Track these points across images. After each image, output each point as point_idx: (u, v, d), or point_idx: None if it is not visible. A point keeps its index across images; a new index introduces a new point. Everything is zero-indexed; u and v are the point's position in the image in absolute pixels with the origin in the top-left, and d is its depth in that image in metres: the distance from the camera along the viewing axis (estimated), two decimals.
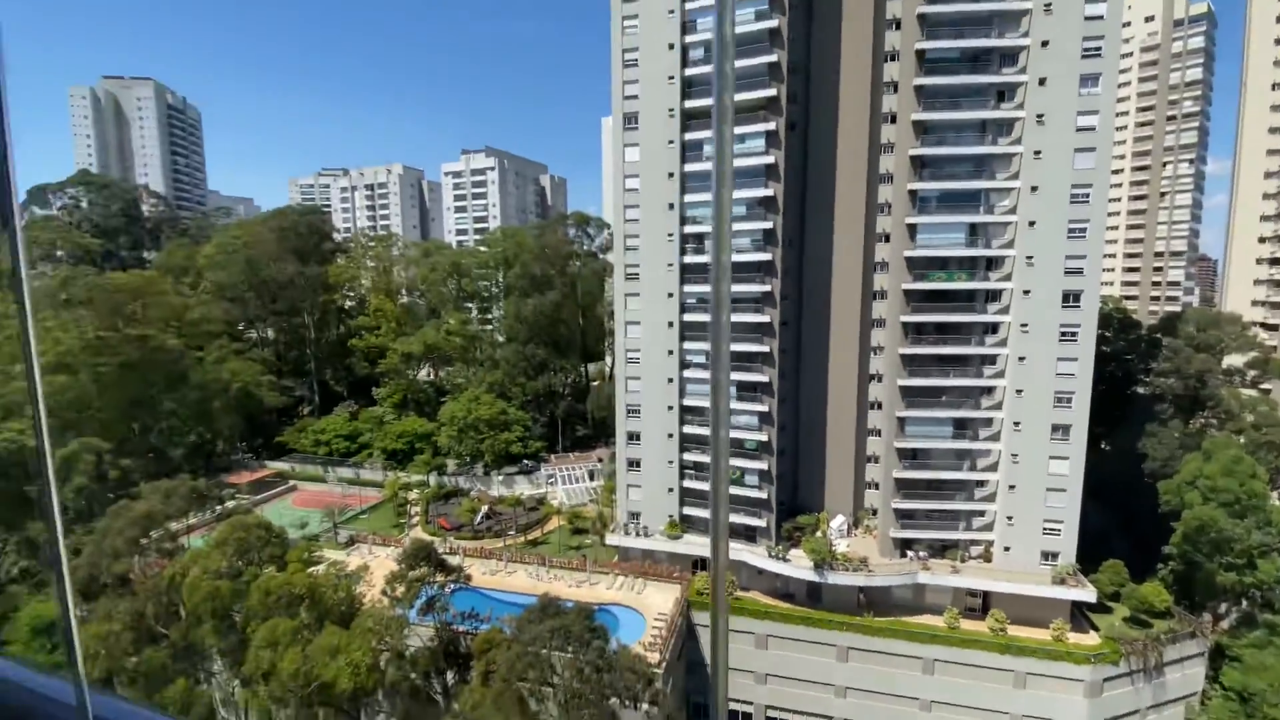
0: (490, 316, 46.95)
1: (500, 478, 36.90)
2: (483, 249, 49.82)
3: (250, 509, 28.89)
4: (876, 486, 28.29)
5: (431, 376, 45.71)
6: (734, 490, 27.43)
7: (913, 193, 25.44)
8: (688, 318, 28.29)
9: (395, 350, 42.24)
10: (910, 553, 26.12)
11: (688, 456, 29.03)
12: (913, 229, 25.60)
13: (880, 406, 28.02)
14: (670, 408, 29.05)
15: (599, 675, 16.93)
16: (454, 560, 24.20)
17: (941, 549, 26.10)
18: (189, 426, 33.04)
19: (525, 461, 37.69)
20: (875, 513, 28.26)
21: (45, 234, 42.54)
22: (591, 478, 36.78)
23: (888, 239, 27.12)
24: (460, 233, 67.11)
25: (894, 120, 26.56)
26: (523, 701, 17.04)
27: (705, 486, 28.22)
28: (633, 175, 28.82)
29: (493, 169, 65.71)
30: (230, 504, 29.39)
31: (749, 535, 27.73)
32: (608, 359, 47.91)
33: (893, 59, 26.73)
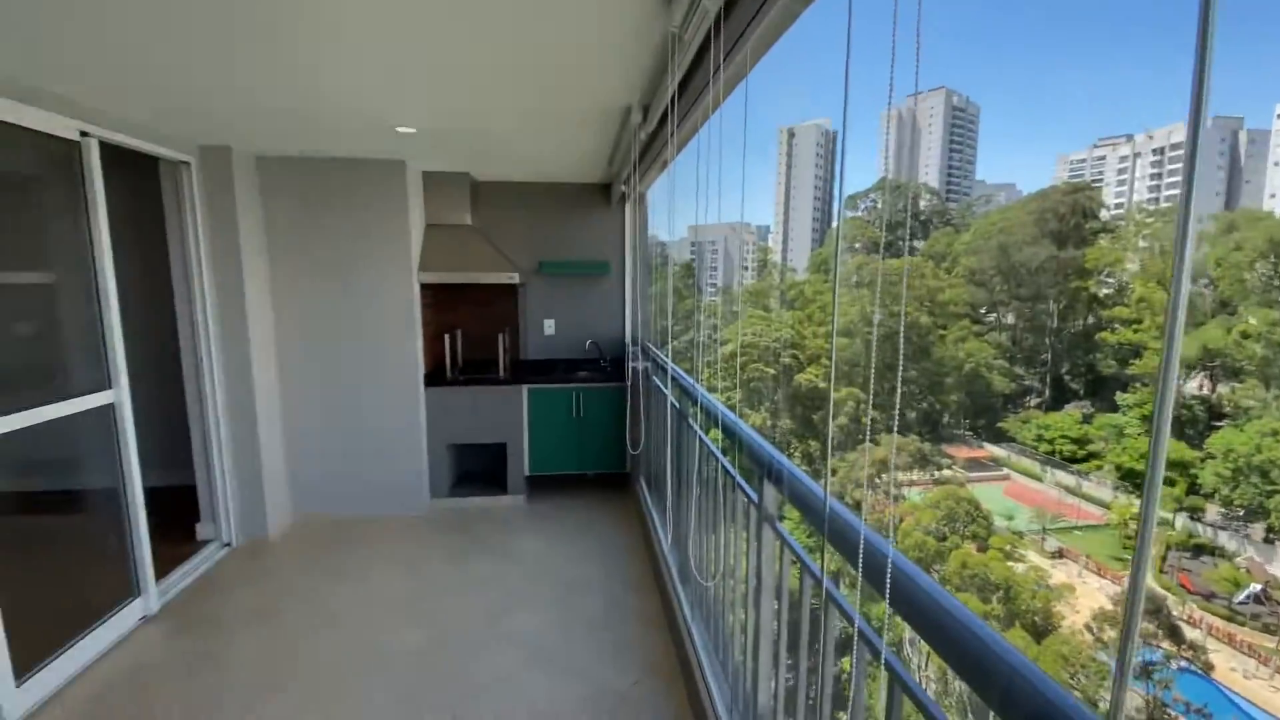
0: None
1: None
2: None
3: (963, 483, 30.55)
4: None
5: (1206, 390, 34.79)
6: None
7: None
8: None
9: (1157, 351, 34.29)
10: None
11: None
12: None
13: None
14: None
15: None
16: (1191, 633, 18.27)
17: None
18: (923, 395, 37.69)
19: None
20: None
21: (851, 230, 56.42)
22: None
23: None
24: None
25: None
26: None
27: None
28: None
29: None
30: (946, 472, 31.95)
31: None
32: None
33: None
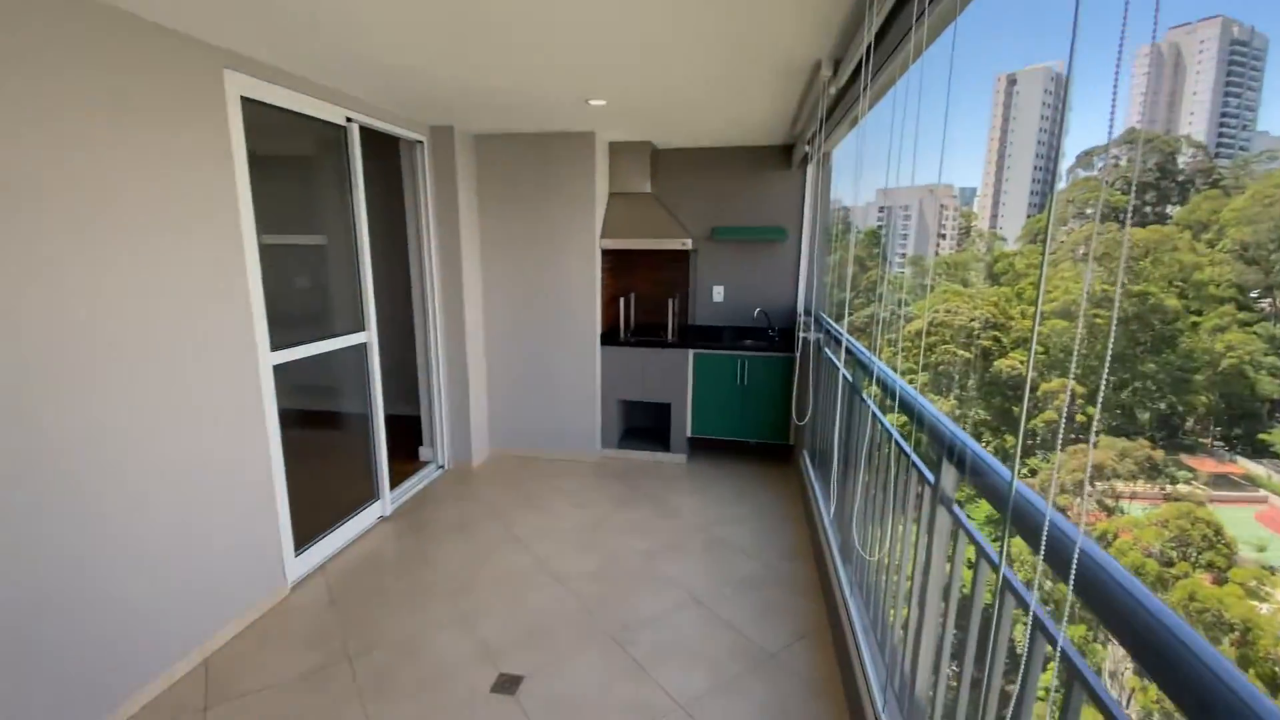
0: None
1: None
2: None
3: (1203, 502, 25.22)
4: None
5: None
6: None
7: None
8: None
9: None
10: None
11: None
12: None
13: None
14: None
15: None
16: None
17: None
18: (1161, 393, 31.37)
19: None
20: None
21: (1080, 194, 47.77)
22: None
23: None
24: None
25: None
26: None
27: None
28: None
29: None
30: (1182, 487, 26.58)
31: None
32: None
33: None
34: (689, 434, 4.45)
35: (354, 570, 3.03)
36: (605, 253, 4.40)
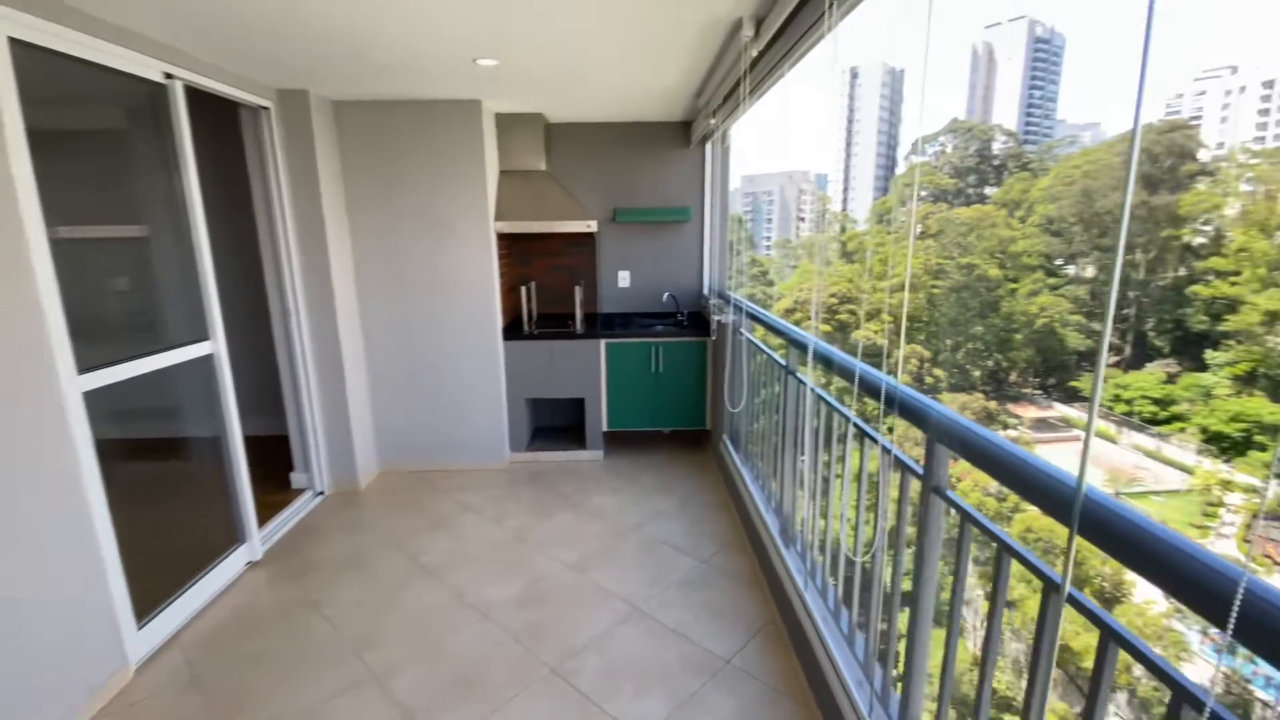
0: None
1: None
2: None
3: (1030, 444, 29.23)
4: None
5: None
6: None
7: None
8: None
9: (1255, 306, 31.16)
10: None
11: None
12: None
13: None
14: None
15: None
16: None
17: None
18: (989, 352, 35.86)
19: None
20: None
21: (913, 178, 52.94)
22: None
23: None
24: None
25: None
26: None
27: None
28: None
29: None
30: (1011, 432, 30.63)
31: None
32: None
33: None
34: (605, 428, 4.20)
35: (220, 636, 2.47)
36: (500, 238, 4.00)
